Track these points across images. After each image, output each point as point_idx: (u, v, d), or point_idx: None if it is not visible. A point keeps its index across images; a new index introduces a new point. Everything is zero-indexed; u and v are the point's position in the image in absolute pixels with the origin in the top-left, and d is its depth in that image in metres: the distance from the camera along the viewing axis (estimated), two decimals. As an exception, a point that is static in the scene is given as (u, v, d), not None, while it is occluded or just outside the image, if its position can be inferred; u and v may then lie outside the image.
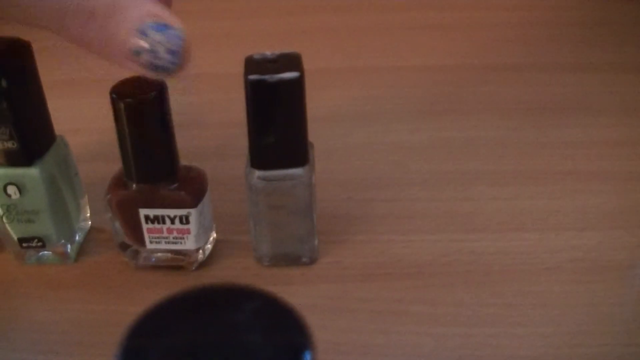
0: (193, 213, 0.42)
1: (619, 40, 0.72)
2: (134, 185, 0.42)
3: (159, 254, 0.45)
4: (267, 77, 0.38)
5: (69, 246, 0.47)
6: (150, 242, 0.44)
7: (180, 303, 0.25)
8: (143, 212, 0.43)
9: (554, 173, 0.54)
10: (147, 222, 0.43)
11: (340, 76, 0.67)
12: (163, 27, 0.32)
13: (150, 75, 0.33)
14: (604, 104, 0.62)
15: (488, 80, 0.66)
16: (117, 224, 0.44)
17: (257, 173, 0.42)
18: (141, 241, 0.44)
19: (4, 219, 0.45)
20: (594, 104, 0.62)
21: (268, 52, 0.40)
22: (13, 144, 0.42)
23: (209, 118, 0.62)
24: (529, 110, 0.61)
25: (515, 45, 0.72)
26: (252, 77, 0.38)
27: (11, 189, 0.43)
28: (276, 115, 0.40)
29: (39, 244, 0.46)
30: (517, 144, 0.57)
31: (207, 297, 0.25)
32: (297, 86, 0.39)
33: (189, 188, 0.43)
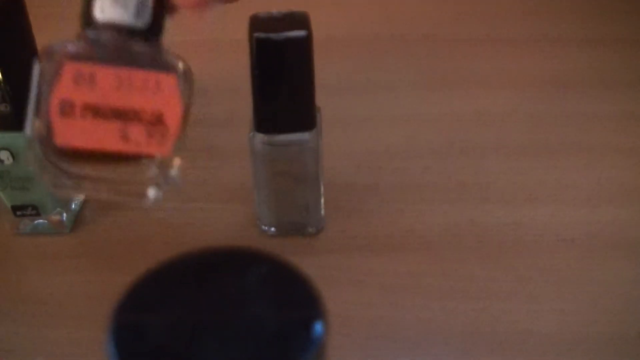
0: None
1: (633, 14, 0.70)
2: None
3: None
4: (273, 35, 0.36)
5: (64, 215, 0.45)
6: None
7: (178, 268, 0.23)
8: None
9: (568, 146, 0.52)
10: None
11: (349, 45, 0.65)
12: None
13: None
14: (619, 77, 0.60)
15: (501, 52, 0.64)
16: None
17: (261, 137, 0.40)
18: None
19: (-3, 186, 0.43)
20: (608, 77, 0.60)
21: (274, 11, 0.38)
22: (6, 107, 0.40)
23: (211, 85, 0.60)
24: (543, 83, 0.59)
25: (529, 17, 0.70)
26: (258, 35, 0.36)
27: (4, 154, 0.41)
28: (282, 75, 0.38)
29: (33, 212, 0.44)
30: (530, 116, 0.55)
31: (208, 262, 0.23)
32: (305, 45, 0.37)
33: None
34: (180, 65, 0.27)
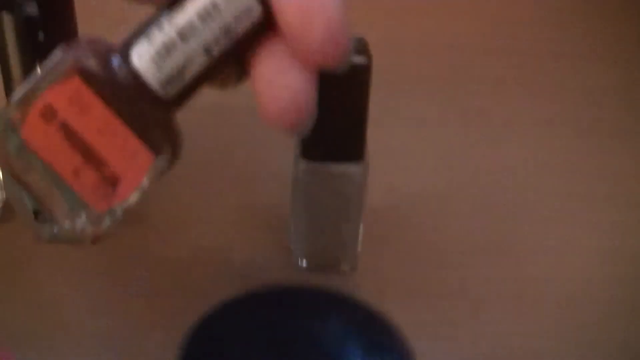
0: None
1: None
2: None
3: None
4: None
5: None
6: None
7: (253, 304, 0.21)
8: None
9: (610, 200, 0.50)
10: None
11: (390, 77, 0.63)
12: None
13: None
14: None
15: (546, 97, 0.62)
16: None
17: (306, 164, 0.38)
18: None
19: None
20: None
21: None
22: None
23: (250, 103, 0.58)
24: (590, 132, 0.57)
25: (556, 32, 0.68)
26: (315, 57, 0.35)
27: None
28: (337, 101, 0.36)
29: (56, 218, 0.42)
30: (574, 164, 0.53)
31: (286, 300, 0.21)
32: (364, 72, 0.35)
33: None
34: (168, 147, 0.26)
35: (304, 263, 0.42)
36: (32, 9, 0.37)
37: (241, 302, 0.21)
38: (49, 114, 0.25)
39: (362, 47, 0.36)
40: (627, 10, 0.73)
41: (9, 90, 0.39)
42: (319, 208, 0.39)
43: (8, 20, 0.37)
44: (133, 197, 0.26)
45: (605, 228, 0.48)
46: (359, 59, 0.35)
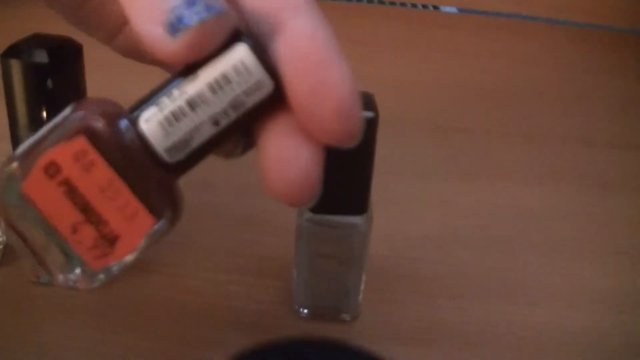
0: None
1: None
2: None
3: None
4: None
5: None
6: None
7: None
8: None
9: (611, 250, 0.50)
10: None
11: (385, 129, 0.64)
12: None
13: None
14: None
15: (544, 150, 0.63)
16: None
17: (310, 216, 0.38)
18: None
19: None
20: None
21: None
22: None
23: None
24: (587, 184, 0.58)
25: (565, 117, 0.69)
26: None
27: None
28: (342, 155, 0.36)
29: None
30: (572, 215, 0.54)
31: (290, 354, 0.22)
32: (371, 127, 0.36)
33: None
34: (169, 211, 0.26)
35: (306, 312, 0.42)
36: (41, 57, 0.37)
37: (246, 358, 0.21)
38: (52, 169, 0.25)
39: (369, 102, 0.36)
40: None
41: (15, 136, 0.40)
42: (322, 257, 0.39)
43: (16, 67, 0.38)
44: (130, 257, 0.26)
45: (608, 272, 0.48)
46: (366, 114, 0.35)
